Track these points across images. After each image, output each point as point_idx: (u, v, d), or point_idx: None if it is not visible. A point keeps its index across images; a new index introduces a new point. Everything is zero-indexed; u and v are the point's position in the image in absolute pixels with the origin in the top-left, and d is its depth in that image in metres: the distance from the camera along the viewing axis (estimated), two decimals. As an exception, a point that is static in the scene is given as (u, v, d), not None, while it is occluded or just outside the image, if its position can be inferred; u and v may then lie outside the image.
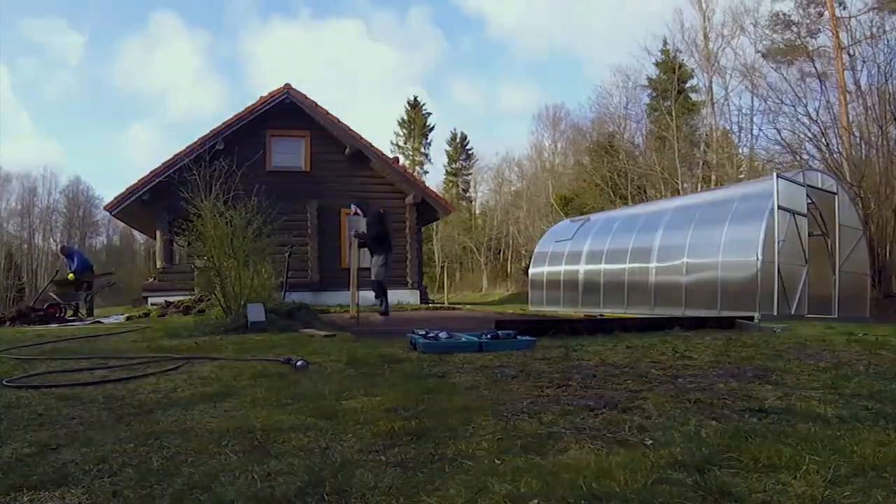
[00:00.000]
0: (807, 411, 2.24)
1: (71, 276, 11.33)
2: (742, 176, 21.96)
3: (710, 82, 25.07)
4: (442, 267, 16.62)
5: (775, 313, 8.09)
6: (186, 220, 6.91)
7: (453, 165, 46.12)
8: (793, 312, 8.60)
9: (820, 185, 9.74)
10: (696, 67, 26.38)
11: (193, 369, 3.54)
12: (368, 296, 9.05)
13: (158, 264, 14.48)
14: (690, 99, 27.23)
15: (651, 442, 1.88)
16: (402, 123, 45.73)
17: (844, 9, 18.04)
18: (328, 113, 15.18)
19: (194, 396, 2.71)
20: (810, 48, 18.80)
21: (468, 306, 15.34)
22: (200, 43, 69.53)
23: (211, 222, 6.60)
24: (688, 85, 27.40)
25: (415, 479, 1.56)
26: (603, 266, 12.12)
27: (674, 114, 25.38)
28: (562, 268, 13.41)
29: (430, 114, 45.91)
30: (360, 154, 15.24)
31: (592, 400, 2.50)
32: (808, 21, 19.49)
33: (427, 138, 45.67)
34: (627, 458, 1.70)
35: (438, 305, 15.03)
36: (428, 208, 16.25)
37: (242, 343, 4.88)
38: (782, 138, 17.98)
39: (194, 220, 6.71)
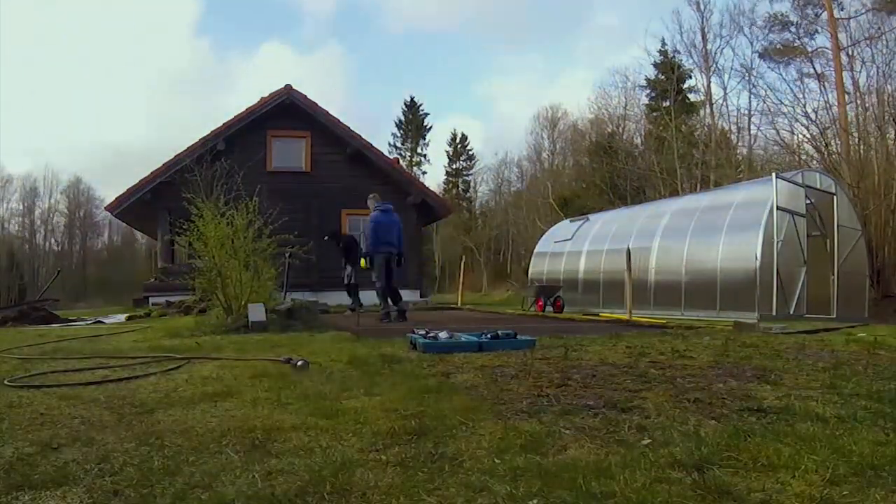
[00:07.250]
0: (805, 411, 2.24)
1: None
2: (741, 176, 21.89)
3: (709, 83, 25.08)
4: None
5: (774, 313, 8.09)
6: (188, 220, 6.92)
7: (453, 166, 46.03)
8: (792, 312, 8.59)
9: (818, 186, 9.73)
10: (694, 68, 26.38)
11: (194, 369, 3.55)
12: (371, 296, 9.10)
13: (160, 264, 14.49)
14: (689, 99, 27.21)
15: (650, 441, 1.88)
16: (398, 125, 45.54)
17: (842, 9, 18.07)
18: (329, 113, 15.18)
19: (195, 396, 2.72)
20: (808, 49, 18.84)
21: (468, 306, 15.32)
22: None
23: (212, 223, 6.61)
24: (686, 85, 27.39)
25: (415, 479, 1.57)
26: (602, 266, 12.12)
27: (672, 114, 25.34)
28: (561, 268, 13.41)
29: (427, 114, 45.78)
30: (360, 154, 15.24)
31: (592, 400, 2.51)
32: (805, 22, 19.52)
33: (425, 139, 45.47)
34: (627, 457, 1.71)
35: (440, 305, 15.04)
36: (428, 208, 16.26)
37: (243, 343, 4.89)
38: (781, 139, 18.03)
39: (195, 221, 6.72)
